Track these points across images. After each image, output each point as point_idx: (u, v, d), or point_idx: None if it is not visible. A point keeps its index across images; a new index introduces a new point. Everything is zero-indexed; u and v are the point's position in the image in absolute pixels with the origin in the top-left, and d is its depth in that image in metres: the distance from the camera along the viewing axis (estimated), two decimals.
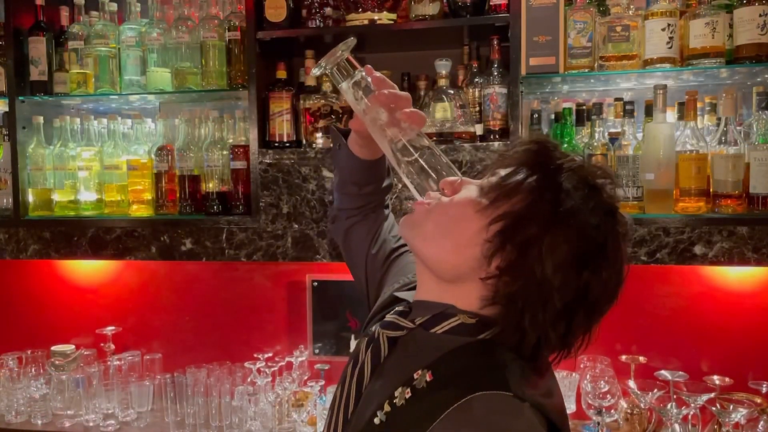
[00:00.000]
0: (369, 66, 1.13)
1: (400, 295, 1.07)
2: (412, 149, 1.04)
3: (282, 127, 2.29)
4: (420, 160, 1.02)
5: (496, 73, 2.17)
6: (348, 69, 1.11)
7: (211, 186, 2.35)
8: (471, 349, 0.92)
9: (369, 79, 1.10)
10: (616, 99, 2.17)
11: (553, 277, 0.87)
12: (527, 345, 0.91)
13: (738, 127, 2.02)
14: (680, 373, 2.14)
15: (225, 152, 2.35)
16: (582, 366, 2.24)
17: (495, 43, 2.17)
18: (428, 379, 0.90)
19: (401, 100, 1.11)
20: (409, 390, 0.90)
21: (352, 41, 1.11)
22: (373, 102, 1.09)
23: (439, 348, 0.92)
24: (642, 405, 2.12)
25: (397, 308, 1.03)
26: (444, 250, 0.94)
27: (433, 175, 1.00)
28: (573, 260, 0.88)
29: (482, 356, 0.92)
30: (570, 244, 0.88)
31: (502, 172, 0.93)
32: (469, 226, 0.92)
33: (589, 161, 1.03)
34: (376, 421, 0.90)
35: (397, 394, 0.91)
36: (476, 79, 2.26)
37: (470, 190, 0.95)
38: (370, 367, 0.98)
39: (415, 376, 0.91)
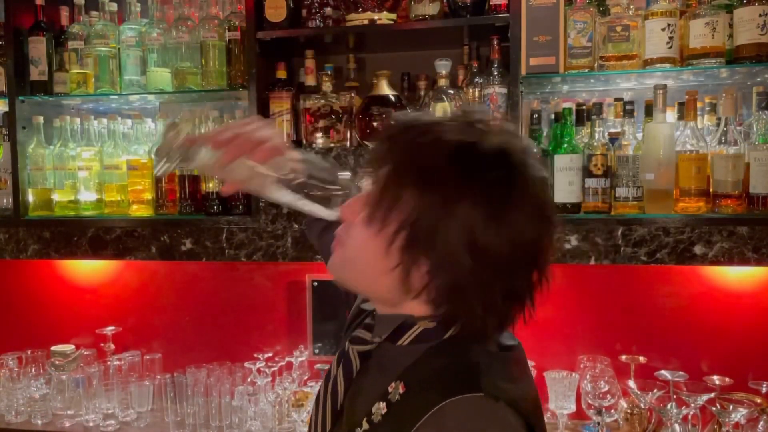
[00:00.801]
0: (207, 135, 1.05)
1: (366, 306, 1.05)
2: (288, 189, 1.03)
3: (282, 127, 2.29)
4: (301, 199, 1.03)
5: (496, 73, 2.17)
6: (189, 150, 1.02)
7: (211, 186, 2.35)
8: (438, 352, 0.91)
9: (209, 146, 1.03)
10: (616, 99, 2.17)
11: (479, 256, 0.84)
12: (490, 326, 0.90)
13: (738, 127, 2.02)
14: (680, 373, 2.14)
15: None
16: (582, 366, 2.24)
17: (495, 43, 2.17)
18: (401, 390, 0.89)
19: (246, 140, 1.01)
20: (384, 405, 0.89)
21: (175, 124, 1.07)
22: (225, 157, 1.00)
23: (409, 357, 0.91)
24: (642, 405, 2.12)
25: (364, 321, 1.01)
26: (369, 285, 0.94)
27: (320, 206, 1.01)
28: (486, 228, 0.84)
29: (450, 357, 0.90)
30: (474, 215, 0.83)
31: (375, 175, 0.89)
32: (375, 259, 0.89)
33: (456, 112, 0.94)
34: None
35: (374, 410, 0.90)
36: (476, 79, 2.26)
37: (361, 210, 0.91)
38: (343, 384, 0.97)
39: (389, 389, 0.90)
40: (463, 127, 0.88)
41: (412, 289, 0.88)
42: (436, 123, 0.89)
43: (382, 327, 0.95)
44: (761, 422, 1.98)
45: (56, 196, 2.50)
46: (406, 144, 0.88)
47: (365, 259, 0.91)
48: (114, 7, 2.46)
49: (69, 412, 2.48)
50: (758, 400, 2.03)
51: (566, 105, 2.12)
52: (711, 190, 2.00)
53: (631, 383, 2.13)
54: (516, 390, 0.88)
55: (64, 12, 2.53)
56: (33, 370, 2.56)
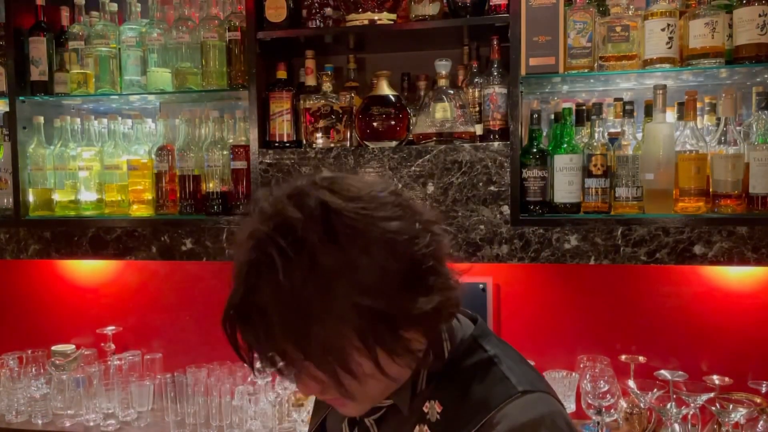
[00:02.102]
0: None
1: None
2: None
3: (282, 127, 2.29)
4: None
5: (496, 73, 2.17)
6: None
7: (211, 186, 2.36)
8: (456, 371, 0.93)
9: None
10: (616, 99, 2.17)
11: (398, 293, 0.83)
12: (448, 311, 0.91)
13: (738, 127, 2.02)
14: (680, 372, 2.14)
15: (225, 152, 2.36)
16: (582, 366, 2.24)
17: (495, 43, 2.17)
18: (438, 410, 0.91)
19: None
20: (426, 426, 0.91)
21: None
22: None
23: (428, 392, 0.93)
24: (642, 405, 2.12)
25: None
26: (392, 387, 0.93)
27: None
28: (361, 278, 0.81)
29: (472, 366, 0.93)
30: (346, 273, 0.81)
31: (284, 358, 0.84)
32: (378, 378, 0.87)
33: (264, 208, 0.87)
34: None
35: None
36: (476, 79, 2.26)
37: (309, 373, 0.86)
38: None
39: (425, 409, 0.92)
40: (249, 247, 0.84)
41: (417, 348, 0.88)
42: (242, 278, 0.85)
43: (396, 393, 0.95)
44: (761, 422, 1.98)
45: (57, 196, 2.50)
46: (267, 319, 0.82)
47: (371, 389, 0.89)
48: (114, 7, 2.46)
49: (69, 411, 2.48)
50: (758, 400, 2.03)
51: (566, 105, 2.13)
52: (711, 190, 2.00)
53: (631, 383, 2.13)
54: (531, 370, 0.95)
55: (65, 12, 2.53)
56: (33, 369, 2.56)
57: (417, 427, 0.92)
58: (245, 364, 0.88)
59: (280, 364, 0.85)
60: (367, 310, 0.81)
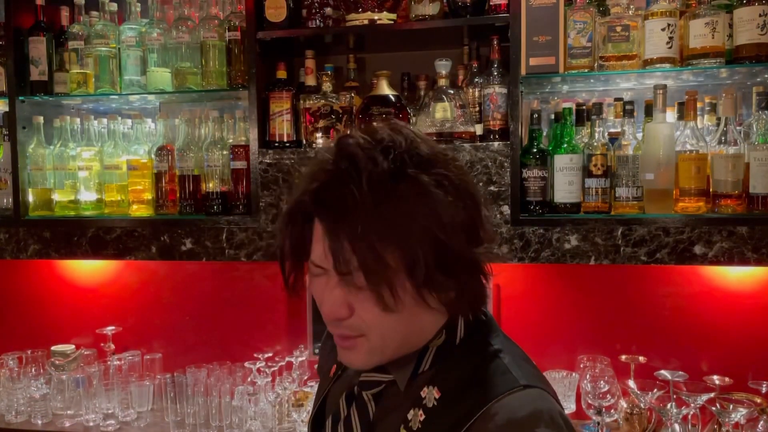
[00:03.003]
0: None
1: None
2: None
3: (282, 127, 2.29)
4: None
5: (496, 73, 2.17)
6: None
7: (211, 186, 2.35)
8: (462, 356, 0.93)
9: None
10: (616, 99, 2.17)
11: (452, 233, 0.86)
12: (480, 298, 0.94)
13: (738, 127, 2.02)
14: (680, 373, 2.14)
15: (225, 152, 2.35)
16: (582, 366, 2.24)
17: (495, 43, 2.17)
18: (436, 395, 0.91)
19: None
20: (421, 411, 0.91)
21: None
22: None
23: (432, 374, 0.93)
24: (642, 405, 2.12)
25: None
26: (417, 341, 0.93)
27: None
28: (440, 211, 0.85)
29: (475, 356, 0.93)
30: (426, 206, 0.85)
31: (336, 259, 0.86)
32: (412, 318, 0.88)
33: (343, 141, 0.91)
34: None
35: (410, 416, 0.91)
36: (476, 79, 2.26)
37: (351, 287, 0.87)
38: (359, 425, 0.98)
39: (422, 394, 0.92)
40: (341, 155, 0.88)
41: (445, 301, 0.89)
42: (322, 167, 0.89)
43: (399, 367, 0.95)
44: (761, 422, 1.98)
45: (56, 196, 2.50)
46: (334, 209, 0.85)
47: (405, 327, 0.89)
48: (114, 7, 2.46)
49: (69, 411, 2.48)
50: (758, 400, 2.03)
51: (566, 105, 2.13)
52: (711, 190, 2.00)
53: (631, 383, 2.13)
54: (535, 369, 0.95)
55: (64, 12, 2.53)
56: (33, 370, 2.56)
57: (412, 411, 0.91)
58: (282, 275, 0.94)
59: (328, 264, 0.86)
60: (429, 235, 0.84)
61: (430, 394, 0.91)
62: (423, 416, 0.90)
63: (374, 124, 0.93)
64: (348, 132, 0.93)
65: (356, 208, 0.83)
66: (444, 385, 0.91)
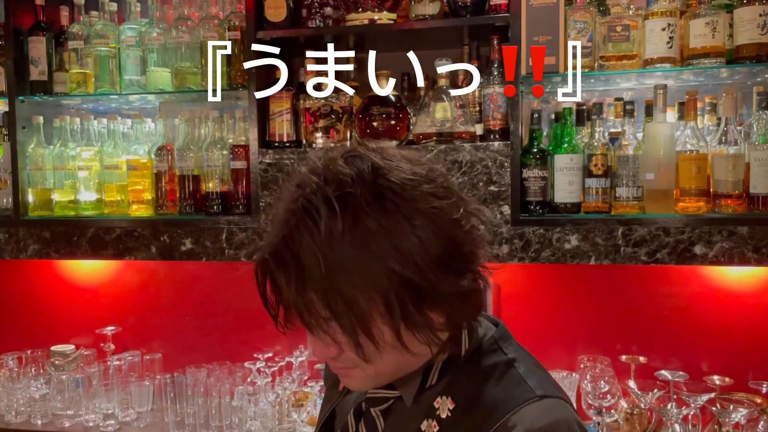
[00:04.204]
0: None
1: None
2: None
3: (282, 127, 2.29)
4: None
5: (496, 73, 2.17)
6: None
7: (211, 186, 2.35)
8: (473, 368, 0.92)
9: None
10: (616, 99, 2.17)
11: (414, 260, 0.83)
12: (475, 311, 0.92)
13: (738, 127, 2.01)
14: (680, 373, 2.13)
15: (225, 152, 2.35)
16: (582, 366, 2.24)
17: (495, 42, 2.17)
18: (450, 406, 0.90)
19: None
20: (435, 422, 0.90)
21: None
22: None
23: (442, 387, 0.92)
24: (642, 405, 2.12)
25: None
26: (410, 367, 0.92)
27: None
28: (397, 240, 0.82)
29: (490, 366, 0.92)
30: (385, 239, 0.82)
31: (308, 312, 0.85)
32: (401, 353, 0.87)
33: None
34: None
35: (424, 428, 0.91)
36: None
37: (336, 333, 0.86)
38: None
39: (436, 404, 0.91)
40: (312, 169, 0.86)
41: (438, 330, 0.87)
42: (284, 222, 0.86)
43: (405, 382, 0.94)
44: (761, 422, 1.98)
45: (56, 196, 2.50)
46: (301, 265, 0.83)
47: (397, 357, 0.88)
48: (114, 7, 2.46)
49: (69, 412, 2.48)
50: (758, 400, 2.02)
51: (566, 105, 2.12)
52: (711, 190, 2.00)
53: (631, 383, 2.13)
54: (549, 377, 0.94)
55: (64, 12, 2.53)
56: (33, 370, 2.56)
57: (426, 422, 0.91)
58: (272, 319, 0.92)
59: (304, 317, 0.85)
60: (398, 277, 0.81)
61: (444, 405, 0.90)
62: (437, 427, 0.90)
63: (342, 150, 0.88)
64: (311, 163, 0.88)
65: (316, 265, 0.81)
66: (458, 395, 0.90)
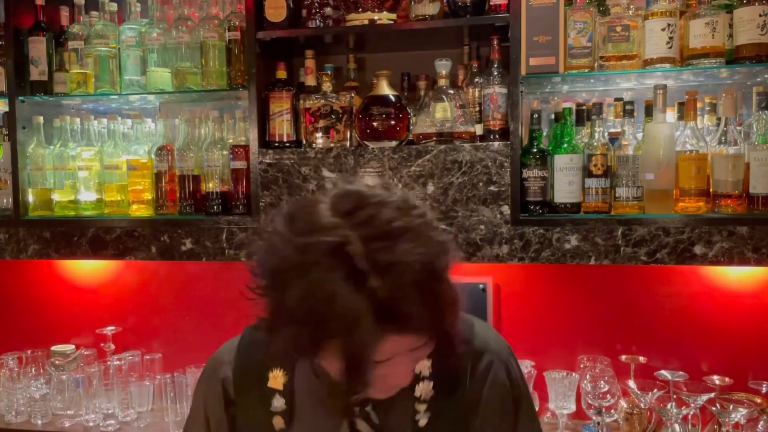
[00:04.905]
0: None
1: None
2: None
3: (282, 127, 2.29)
4: None
5: (496, 73, 2.17)
6: None
7: (211, 186, 2.35)
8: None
9: None
10: (616, 99, 2.17)
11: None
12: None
13: (738, 127, 2.01)
14: (680, 373, 2.14)
15: (225, 152, 2.35)
16: (582, 366, 2.24)
17: (495, 43, 2.17)
18: (427, 363, 1.06)
19: None
20: (427, 383, 1.08)
21: None
22: None
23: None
24: (642, 405, 2.12)
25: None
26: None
27: None
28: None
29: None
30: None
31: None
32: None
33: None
34: (421, 423, 1.05)
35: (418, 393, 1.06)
36: (476, 79, 2.26)
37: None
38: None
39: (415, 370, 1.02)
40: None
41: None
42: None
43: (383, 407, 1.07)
44: (761, 422, 1.98)
45: (56, 196, 2.50)
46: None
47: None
48: (114, 7, 2.46)
49: (69, 412, 2.48)
50: (758, 400, 2.03)
51: (566, 105, 2.12)
52: (711, 190, 2.00)
53: (631, 383, 2.13)
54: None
55: (64, 12, 2.53)
56: (33, 370, 2.56)
57: (420, 383, 1.06)
58: None
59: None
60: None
61: (424, 366, 1.05)
62: (432, 393, 1.06)
63: (324, 197, 0.94)
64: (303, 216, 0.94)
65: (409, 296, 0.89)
66: (434, 364, 1.07)
